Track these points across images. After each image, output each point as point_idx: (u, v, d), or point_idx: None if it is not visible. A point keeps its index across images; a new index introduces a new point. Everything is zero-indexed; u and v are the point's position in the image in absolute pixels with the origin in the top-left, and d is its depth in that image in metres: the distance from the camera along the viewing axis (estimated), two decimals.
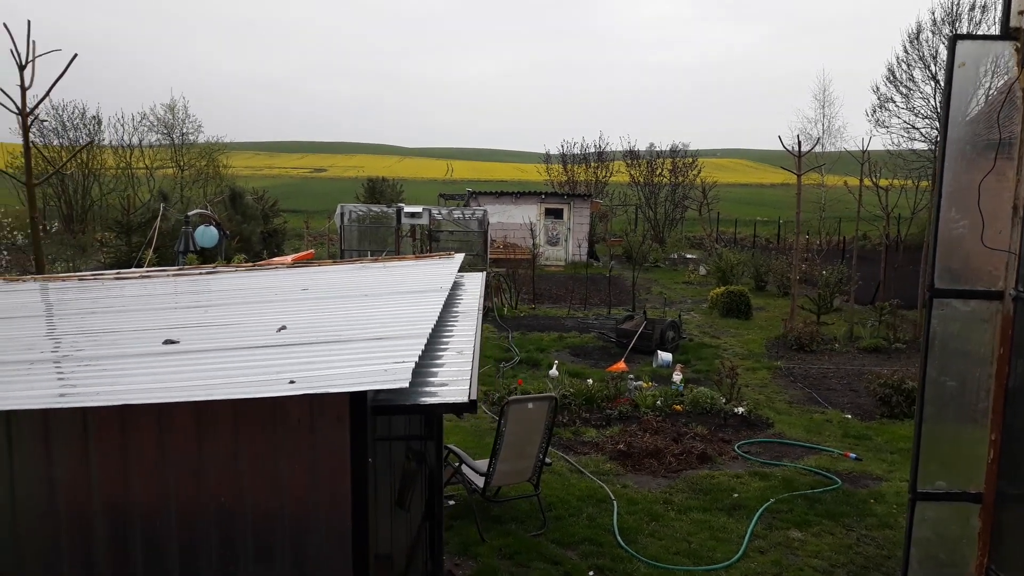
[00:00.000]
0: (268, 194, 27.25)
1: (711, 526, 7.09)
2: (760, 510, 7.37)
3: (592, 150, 46.23)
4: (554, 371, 12.40)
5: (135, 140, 37.92)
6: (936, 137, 31.91)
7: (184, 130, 39.98)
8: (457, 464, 7.35)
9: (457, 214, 23.31)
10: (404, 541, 5.17)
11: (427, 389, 3.02)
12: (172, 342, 3.45)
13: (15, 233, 21.50)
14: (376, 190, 34.59)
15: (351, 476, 2.75)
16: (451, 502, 7.43)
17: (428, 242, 22.94)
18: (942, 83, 32.34)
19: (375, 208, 23.57)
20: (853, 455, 9.03)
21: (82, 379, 2.94)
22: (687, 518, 7.26)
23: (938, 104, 33.38)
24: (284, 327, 3.65)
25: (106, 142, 36.29)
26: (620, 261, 30.17)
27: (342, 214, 21.90)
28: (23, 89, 8.16)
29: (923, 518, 4.75)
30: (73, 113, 34.56)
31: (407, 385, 2.61)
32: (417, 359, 2.92)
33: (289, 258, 10.00)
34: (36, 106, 8.36)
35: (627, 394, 10.95)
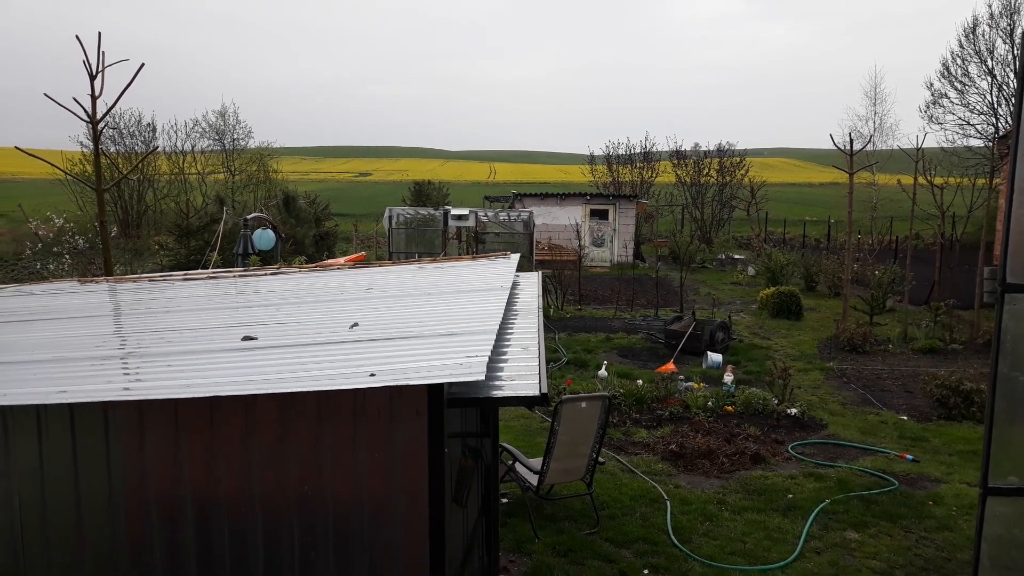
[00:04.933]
0: (319, 198, 27.74)
1: (766, 526, 7.06)
2: (815, 511, 7.32)
3: (637, 150, 46.02)
4: (603, 371, 12.43)
5: (187, 146, 38.89)
6: (993, 134, 31.10)
7: (235, 136, 40.88)
8: (511, 462, 7.44)
9: (503, 216, 23.45)
10: (461, 536, 5.28)
11: (497, 383, 3.11)
12: (251, 338, 3.59)
13: (76, 237, 22.23)
14: (422, 193, 34.94)
15: (428, 467, 2.85)
16: (505, 500, 7.53)
17: (474, 244, 23.12)
18: (998, 77, 31.52)
19: (422, 211, 23.82)
20: (910, 457, 8.90)
21: (171, 373, 3.10)
22: (741, 518, 7.24)
23: (994, 100, 32.56)
24: (356, 324, 3.78)
25: (160, 149, 37.29)
26: (667, 262, 30.00)
27: (390, 217, 22.19)
28: (93, 98, 8.48)
29: (994, 514, 4.70)
30: (130, 121, 35.59)
31: (482, 377, 2.71)
32: (488, 354, 3.01)
33: (343, 259, 10.20)
34: (106, 114, 8.69)
35: (677, 395, 10.94)
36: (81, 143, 31.05)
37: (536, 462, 7.33)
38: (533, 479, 7.20)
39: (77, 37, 8.28)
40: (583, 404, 7.13)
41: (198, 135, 39.61)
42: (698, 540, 6.78)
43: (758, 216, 38.93)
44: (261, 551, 2.96)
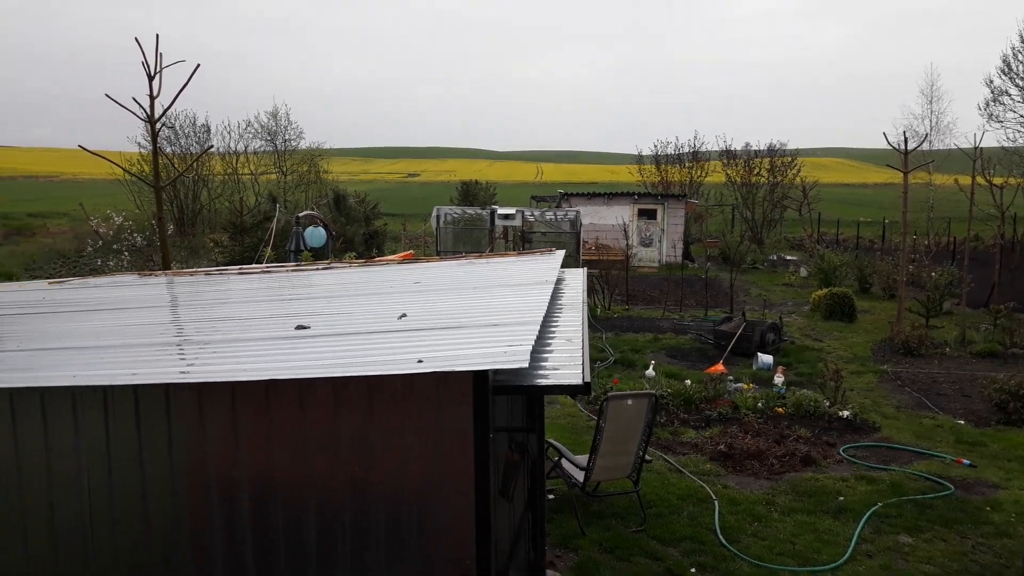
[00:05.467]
0: (368, 197, 28.12)
1: (816, 528, 6.97)
2: (867, 514, 7.19)
3: (686, 150, 45.57)
4: (651, 371, 12.37)
5: (240, 147, 39.73)
6: None
7: (286, 136, 41.64)
8: (557, 458, 7.46)
9: (549, 215, 23.47)
10: (507, 530, 5.32)
11: (541, 372, 3.15)
12: (304, 327, 3.69)
13: (135, 235, 22.93)
14: (470, 193, 35.16)
15: (474, 451, 2.90)
16: (551, 496, 7.55)
17: (521, 243, 23.18)
18: None
19: (469, 210, 23.98)
20: (966, 462, 8.68)
21: (228, 358, 3.20)
22: (791, 520, 7.15)
23: None
24: (404, 315, 3.85)
25: (214, 149, 38.15)
26: (716, 263, 29.66)
27: (437, 216, 22.39)
28: (152, 98, 8.76)
29: None
30: (185, 122, 36.48)
31: (526, 365, 2.75)
32: (532, 343, 3.05)
33: (397, 256, 10.40)
34: (163, 113, 8.96)
35: (726, 396, 10.83)
36: (138, 144, 31.98)
37: (582, 459, 7.34)
38: (579, 475, 7.22)
39: (136, 40, 8.56)
40: (629, 401, 7.11)
41: (251, 136, 40.45)
42: (746, 540, 6.72)
43: (810, 216, 38.24)
44: (314, 534, 3.04)
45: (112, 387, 2.99)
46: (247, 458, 3.02)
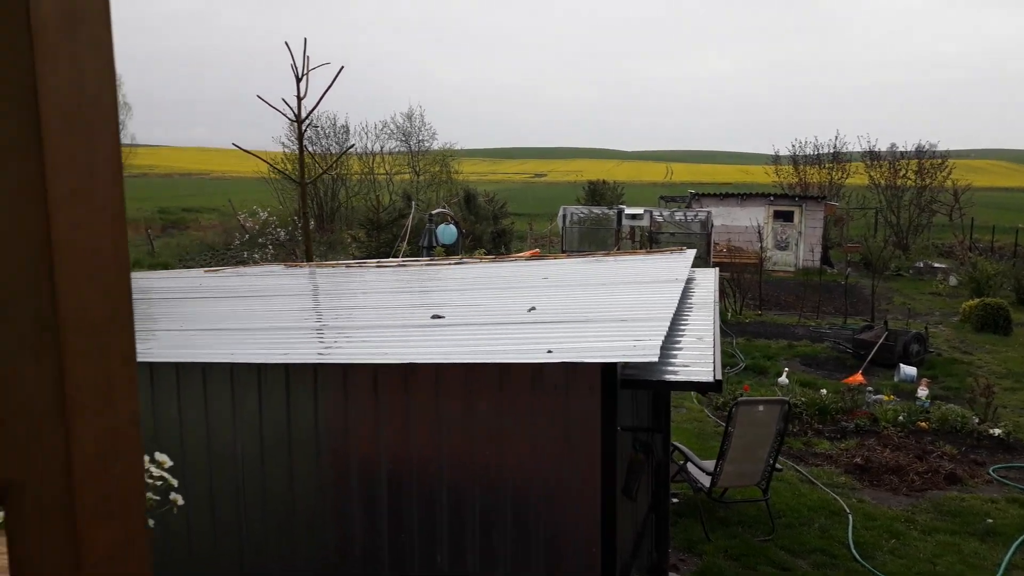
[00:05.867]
0: (497, 196, 28.59)
1: (960, 550, 6.54)
2: (1019, 539, 6.67)
3: (826, 150, 43.58)
4: (783, 379, 11.94)
5: (377, 147, 41.23)
6: None
7: (420, 137, 42.87)
8: (682, 462, 7.35)
9: (679, 216, 23.05)
10: (630, 529, 5.31)
11: (670, 368, 3.13)
12: (439, 317, 3.83)
13: (278, 230, 24.30)
14: (597, 193, 35.04)
15: (601, 443, 2.93)
16: (675, 500, 7.45)
17: (648, 244, 22.89)
18: None
19: (596, 210, 23.91)
20: None
21: (370, 343, 3.37)
22: (932, 539, 6.74)
23: None
24: (533, 308, 3.93)
25: (352, 150, 39.76)
26: (857, 268, 28.23)
27: (564, 216, 22.46)
28: (299, 99, 9.27)
29: None
30: (326, 123, 38.21)
31: (655, 359, 2.75)
32: (662, 339, 3.04)
33: (524, 254, 10.55)
34: (309, 113, 9.47)
35: (865, 407, 10.33)
36: (282, 144, 33.82)
37: (709, 464, 7.20)
38: (705, 480, 7.09)
39: (286, 44, 9.08)
40: (760, 407, 6.92)
41: (386, 136, 41.90)
42: (882, 557, 6.39)
43: (962, 222, 35.71)
44: (446, 514, 3.16)
45: (266, 364, 3.22)
46: (386, 439, 3.17)
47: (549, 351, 2.90)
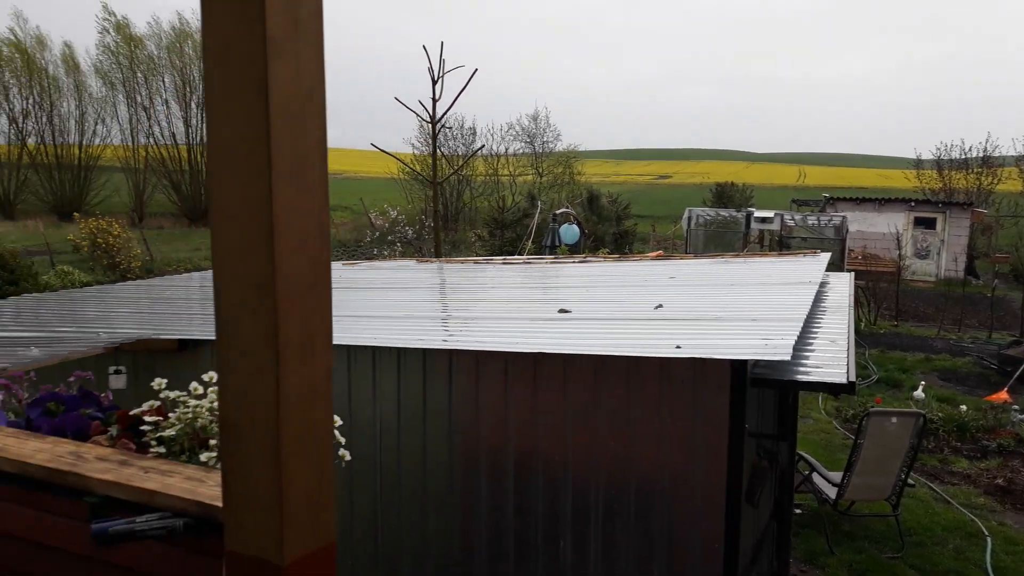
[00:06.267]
0: (620, 197, 28.47)
1: None
2: None
3: (975, 154, 40.78)
4: (919, 392, 11.34)
5: (502, 148, 41.82)
6: None
7: (544, 139, 43.19)
8: (808, 472, 7.15)
9: (812, 220, 22.21)
10: (750, 535, 5.24)
11: (802, 368, 3.11)
12: (565, 311, 3.94)
13: (406, 228, 25.15)
14: (724, 195, 34.25)
15: (728, 441, 2.95)
16: (798, 511, 7.26)
17: (778, 248, 22.18)
18: None
19: (723, 212, 23.39)
20: None
21: (501, 333, 3.52)
22: None
23: None
24: (660, 305, 3.97)
25: (482, 151, 40.47)
26: (1006, 280, 26.30)
27: (689, 218, 22.10)
28: (434, 100, 9.61)
29: None
30: (454, 125, 39.10)
31: (788, 358, 2.75)
32: (795, 339, 3.03)
33: (651, 255, 10.51)
34: (443, 114, 9.81)
35: (1009, 426, 9.69)
36: (412, 145, 34.86)
37: (836, 475, 6.98)
38: (831, 492, 6.87)
39: (424, 47, 9.43)
40: (893, 420, 6.64)
41: (511, 138, 42.43)
42: None
43: None
44: (570, 501, 3.26)
45: (405, 349, 3.43)
46: (514, 424, 3.30)
47: (678, 346, 2.95)
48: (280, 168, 1.06)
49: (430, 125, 9.72)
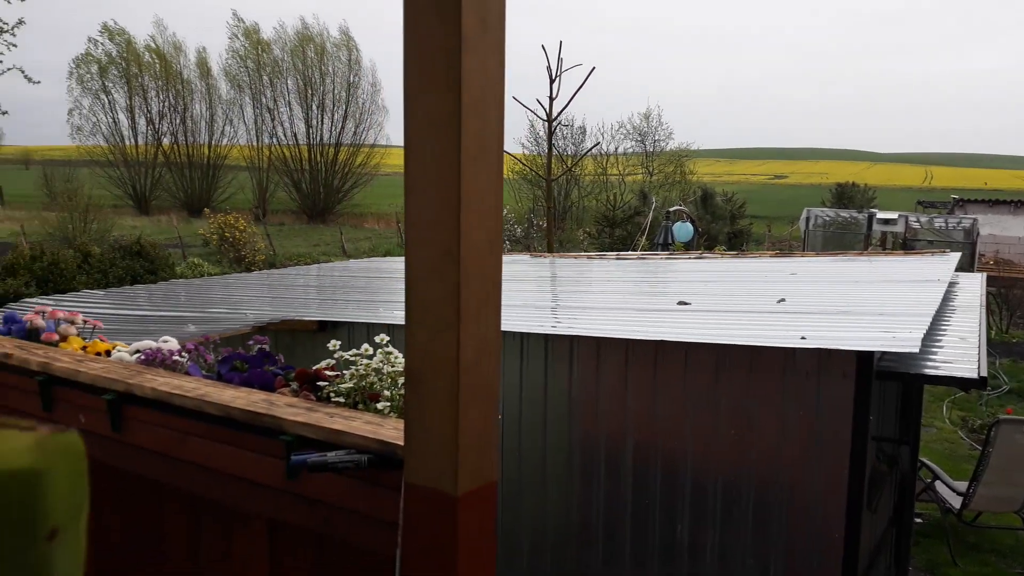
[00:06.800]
0: (735, 196, 27.90)
1: None
2: None
3: None
4: None
5: (611, 148, 41.59)
6: None
7: (656, 137, 42.70)
8: (930, 480, 6.91)
9: (939, 222, 21.12)
10: (868, 540, 5.14)
11: (930, 363, 3.08)
12: (685, 303, 4.01)
13: (515, 227, 25.48)
14: (844, 196, 32.98)
15: (851, 436, 2.96)
16: (919, 520, 7.02)
17: (902, 251, 21.19)
18: None
19: (843, 213, 22.55)
20: None
21: (622, 321, 3.63)
22: None
23: None
24: (783, 299, 3.98)
25: (595, 149, 40.37)
26: None
27: (807, 219, 21.43)
28: (551, 99, 9.76)
29: None
30: (569, 123, 39.12)
31: (916, 350, 2.74)
32: (923, 332, 3.00)
33: (768, 254, 10.33)
34: (560, 112, 9.95)
35: None
36: (522, 144, 35.16)
37: (960, 484, 6.71)
38: (955, 501, 6.61)
39: (543, 47, 9.59)
40: None
41: (622, 137, 42.16)
42: None
43: None
44: (688, 486, 3.34)
45: (528, 334, 3.59)
46: (633, 410, 3.41)
47: (802, 337, 2.98)
48: (467, 150, 1.23)
49: (545, 123, 9.89)
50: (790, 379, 3.08)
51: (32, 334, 2.39)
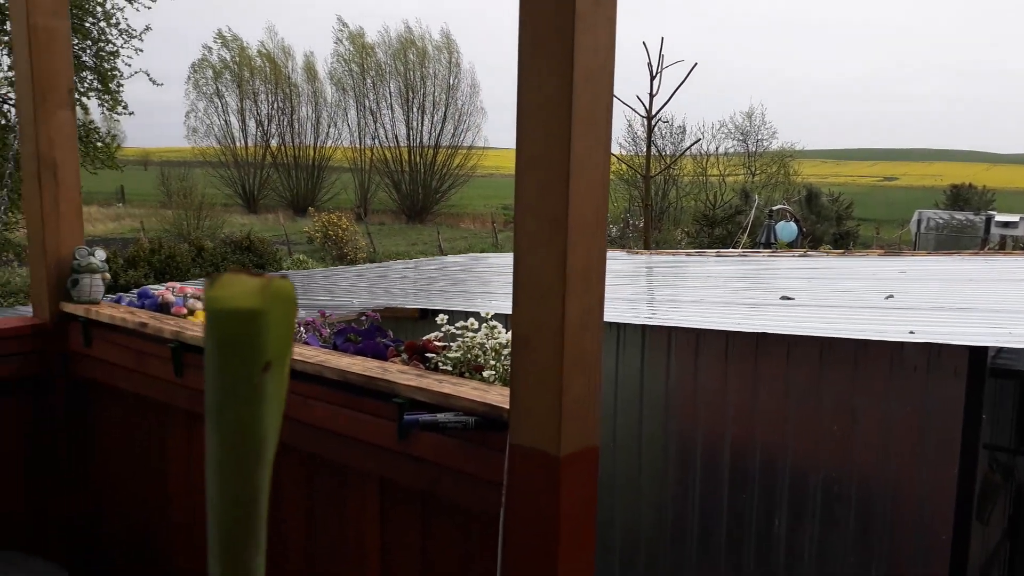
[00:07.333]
0: (843, 196, 26.93)
1: None
2: None
3: None
4: None
5: (712, 148, 40.77)
6: None
7: (759, 137, 41.63)
8: None
9: None
10: (978, 554, 4.90)
11: None
12: (788, 298, 3.94)
13: (611, 227, 25.37)
14: (960, 198, 31.30)
15: (962, 429, 2.86)
16: None
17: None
18: None
19: (958, 215, 21.44)
20: None
21: (719, 315, 3.60)
22: None
23: None
24: (891, 296, 3.86)
25: (696, 146, 39.72)
26: None
27: (918, 221, 20.47)
28: (651, 96, 9.70)
29: None
30: (669, 120, 38.62)
31: None
32: None
33: (878, 250, 10.00)
34: (660, 109, 9.89)
35: None
36: (619, 144, 34.90)
37: None
38: None
39: (644, 43, 9.55)
40: None
41: (723, 136, 41.28)
42: None
43: None
44: (788, 479, 3.29)
45: (624, 324, 3.61)
46: (733, 402, 3.38)
47: (911, 331, 2.90)
48: (578, 123, 1.28)
49: (645, 120, 9.83)
50: (897, 375, 3.00)
51: (163, 308, 2.59)
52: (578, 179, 1.30)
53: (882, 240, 31.94)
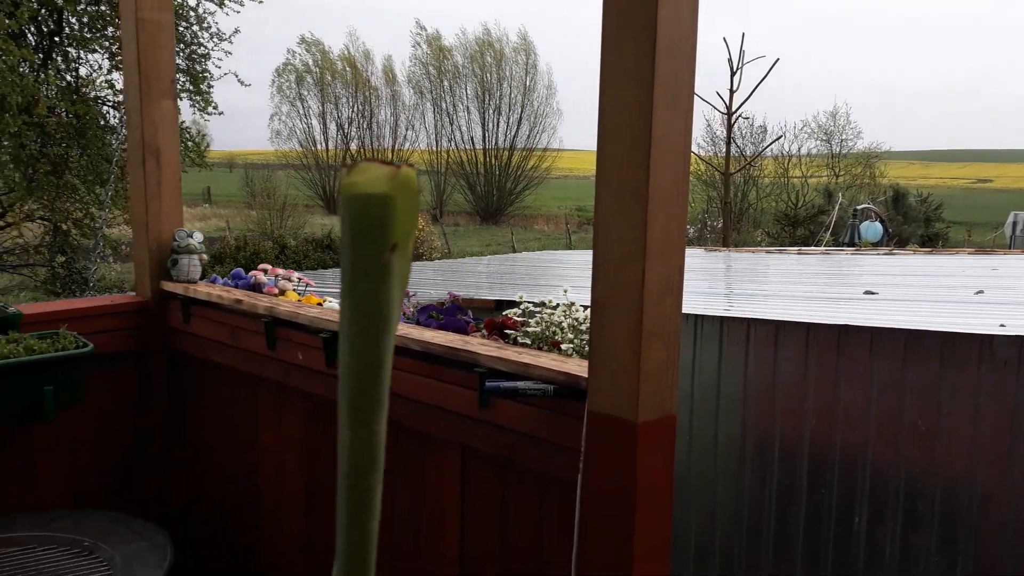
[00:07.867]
0: (932, 197, 25.91)
1: None
2: None
3: None
4: None
5: (793, 148, 39.75)
6: None
7: (843, 137, 40.40)
8: None
9: None
10: None
11: None
12: (872, 293, 3.85)
13: (688, 228, 25.08)
14: None
15: None
16: None
17: None
18: None
19: None
20: None
21: (801, 308, 3.55)
22: None
23: None
24: (981, 291, 3.73)
25: (769, 153, 38.89)
26: None
27: (1014, 223, 19.50)
28: (731, 92, 9.57)
29: None
30: (743, 124, 37.89)
31: None
32: None
33: (967, 250, 9.62)
34: (741, 105, 9.73)
35: None
36: (697, 144, 34.36)
37: None
38: None
39: (724, 39, 9.42)
40: None
41: (806, 136, 40.20)
42: None
43: None
44: (868, 473, 3.21)
45: (702, 316, 3.60)
46: (813, 394, 3.33)
47: (1002, 325, 2.81)
48: (660, 96, 1.31)
49: (725, 117, 9.70)
50: (987, 370, 2.90)
51: (255, 288, 2.73)
52: (659, 151, 1.33)
53: (974, 243, 30.57)
